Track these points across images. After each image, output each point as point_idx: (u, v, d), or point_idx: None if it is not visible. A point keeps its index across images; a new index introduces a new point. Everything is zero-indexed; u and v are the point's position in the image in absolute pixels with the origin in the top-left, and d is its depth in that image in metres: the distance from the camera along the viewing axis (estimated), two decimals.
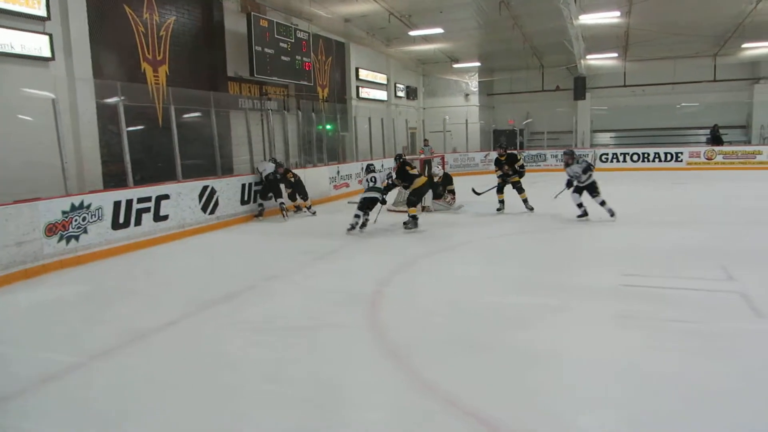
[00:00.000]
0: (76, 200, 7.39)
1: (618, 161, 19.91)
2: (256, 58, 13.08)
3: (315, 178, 13.09)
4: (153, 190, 8.65)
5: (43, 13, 8.57)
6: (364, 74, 19.64)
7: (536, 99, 25.05)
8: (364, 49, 19.44)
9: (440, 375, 3.60)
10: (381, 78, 20.95)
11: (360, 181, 11.56)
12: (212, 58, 12.61)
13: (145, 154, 10.17)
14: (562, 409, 3.18)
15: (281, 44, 13.96)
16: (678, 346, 3.97)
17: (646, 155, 19.70)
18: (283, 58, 14.07)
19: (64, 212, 7.18)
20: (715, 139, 20.44)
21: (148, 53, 10.93)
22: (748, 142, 21.44)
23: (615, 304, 4.95)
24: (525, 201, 10.38)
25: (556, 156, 20.34)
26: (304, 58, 15.02)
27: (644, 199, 12.48)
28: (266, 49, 13.41)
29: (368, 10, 15.33)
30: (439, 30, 17.13)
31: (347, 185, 14.56)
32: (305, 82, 15.33)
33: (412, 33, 17.47)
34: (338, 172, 14.21)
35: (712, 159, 19.00)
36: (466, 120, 21.85)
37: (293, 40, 14.44)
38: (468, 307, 5.07)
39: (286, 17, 14.63)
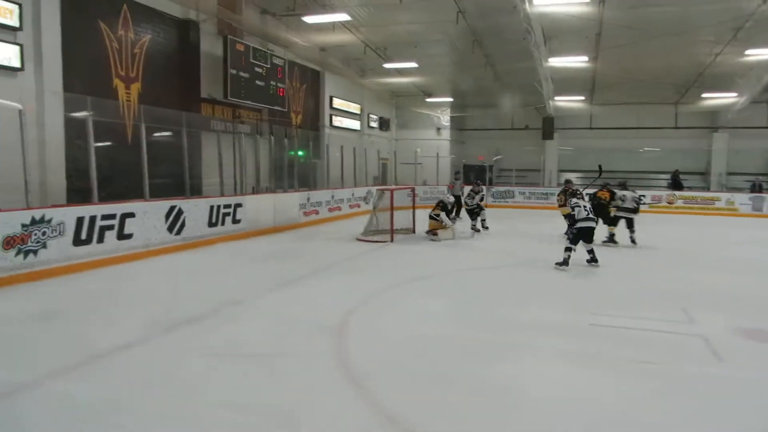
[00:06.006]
0: (37, 214, 7.18)
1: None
2: (231, 81, 13.07)
3: (285, 204, 13.02)
4: (118, 208, 8.48)
5: (15, 23, 8.50)
6: (337, 103, 19.79)
7: (506, 136, 25.57)
8: (338, 79, 19.62)
9: (403, 407, 3.56)
10: (354, 108, 21.13)
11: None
12: (186, 79, 12.55)
13: (112, 170, 9.96)
14: None
15: (256, 69, 14.00)
16: (639, 387, 4.01)
17: None
18: (257, 82, 14.10)
19: (24, 225, 6.96)
20: (676, 184, 21.17)
21: (121, 70, 10.83)
22: (707, 189, 22.21)
23: (580, 342, 4.99)
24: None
25: (524, 193, 20.83)
26: (279, 84, 15.07)
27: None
28: (241, 73, 13.43)
29: (344, 40, 15.55)
30: (413, 64, 17.47)
31: (317, 212, 14.50)
32: (279, 108, 15.36)
33: (387, 65, 17.74)
34: (308, 198, 14.16)
35: (672, 203, 19.68)
36: (437, 153, 22.16)
37: (269, 66, 14.50)
38: (433, 339, 5.04)
39: (262, 43, 14.71)
